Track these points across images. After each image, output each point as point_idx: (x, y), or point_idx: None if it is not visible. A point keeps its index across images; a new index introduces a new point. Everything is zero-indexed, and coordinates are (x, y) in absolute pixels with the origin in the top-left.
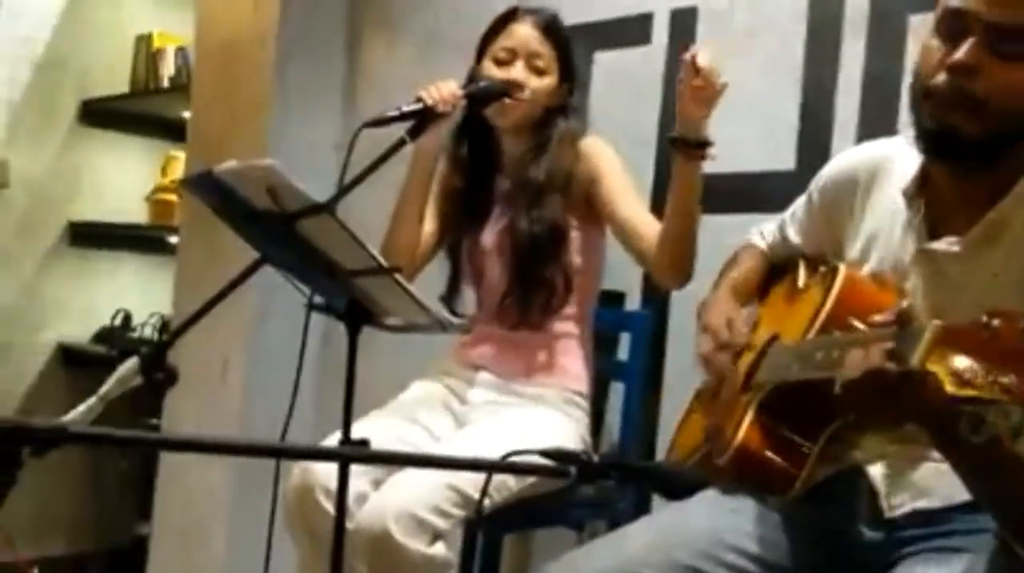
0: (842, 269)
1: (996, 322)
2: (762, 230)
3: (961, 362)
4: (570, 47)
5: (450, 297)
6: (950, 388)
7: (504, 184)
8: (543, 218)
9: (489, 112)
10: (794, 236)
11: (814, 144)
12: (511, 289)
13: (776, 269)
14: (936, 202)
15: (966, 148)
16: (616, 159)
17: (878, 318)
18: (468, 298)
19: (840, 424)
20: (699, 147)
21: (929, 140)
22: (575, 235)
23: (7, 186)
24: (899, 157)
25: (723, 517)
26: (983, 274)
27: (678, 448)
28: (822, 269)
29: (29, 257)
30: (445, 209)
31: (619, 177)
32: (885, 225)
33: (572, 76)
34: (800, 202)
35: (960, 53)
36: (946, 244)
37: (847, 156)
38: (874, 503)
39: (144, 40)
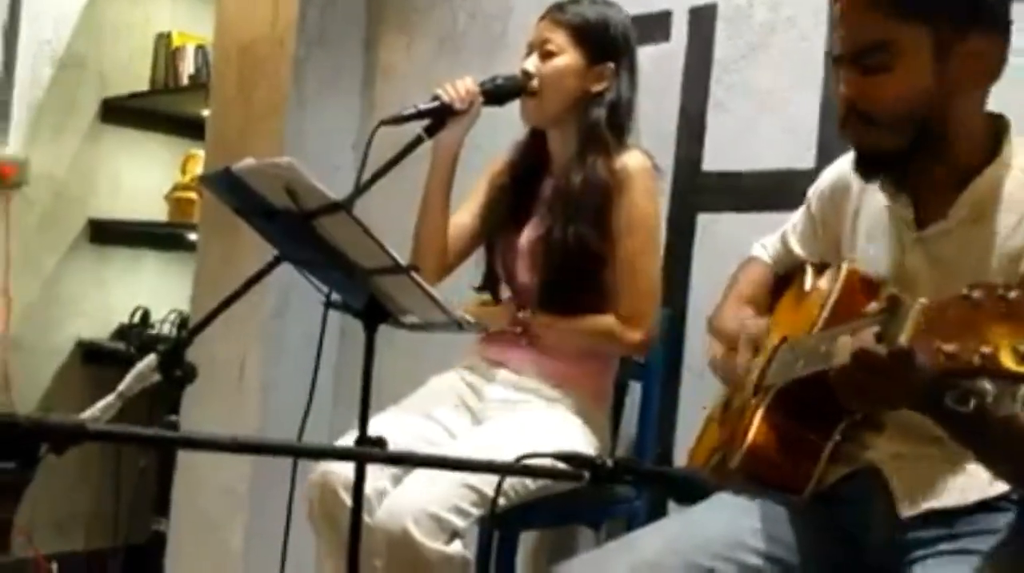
0: (845, 266)
1: (976, 294)
2: (764, 243)
3: (942, 337)
4: (595, 25)
5: (488, 289)
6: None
7: (548, 188)
8: (574, 233)
9: (521, 114)
10: (796, 246)
11: (834, 142)
12: (540, 301)
13: (782, 280)
14: (920, 193)
15: (884, 159)
16: (654, 201)
17: (871, 307)
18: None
19: (849, 421)
20: None
21: (860, 164)
22: (607, 251)
23: (27, 184)
24: None
25: (738, 519)
26: (975, 250)
27: (696, 452)
28: (828, 271)
29: (50, 254)
30: (490, 206)
31: (640, 237)
32: (880, 224)
33: (605, 56)
34: (800, 212)
35: (841, 87)
36: (935, 230)
37: (840, 163)
38: (888, 504)
39: (164, 39)
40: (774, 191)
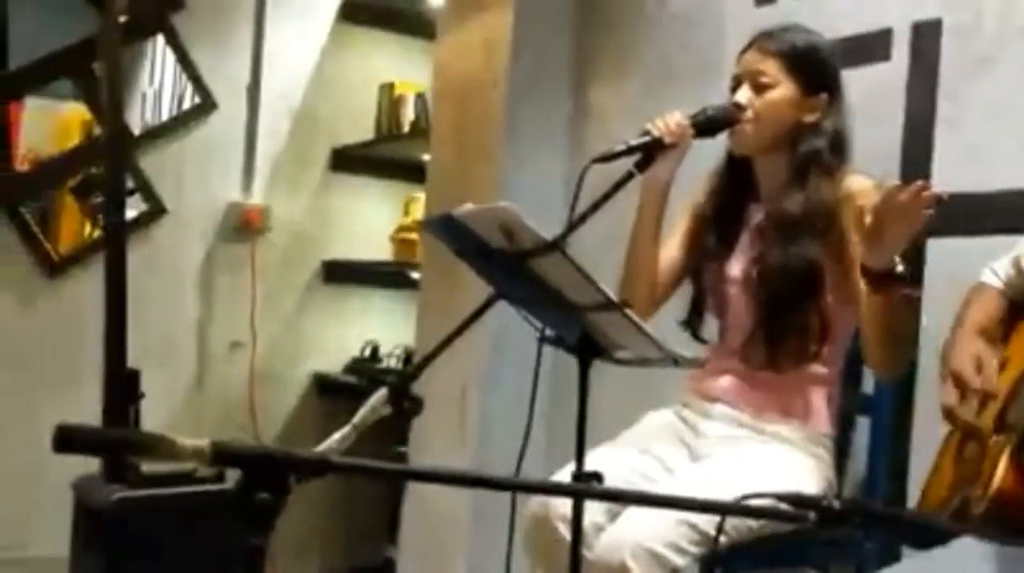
0: None
1: None
2: (994, 267)
3: None
4: (807, 55)
5: (693, 322)
6: None
7: (758, 215)
8: (797, 255)
9: (729, 142)
10: None
11: None
12: (759, 329)
13: (1016, 307)
14: None
15: None
16: None
17: None
18: (711, 325)
19: None
20: (888, 278)
21: None
22: (831, 273)
23: (270, 230)
24: None
25: (981, 568)
26: None
27: (929, 494)
28: None
29: (288, 294)
30: (695, 237)
31: None
32: None
33: (819, 86)
34: None
35: None
36: None
37: None
38: None
39: (387, 88)
40: (1013, 212)
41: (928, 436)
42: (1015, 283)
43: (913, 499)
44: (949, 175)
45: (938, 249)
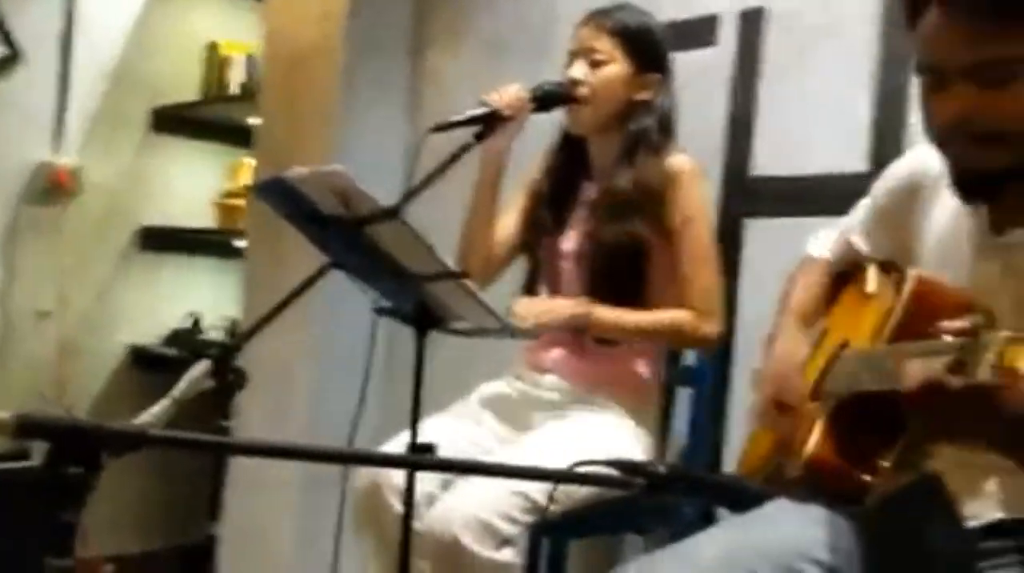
0: (912, 274)
1: None
2: (821, 241)
3: None
4: (640, 35)
5: (527, 295)
6: None
7: (591, 191)
8: (625, 231)
9: (565, 121)
10: (861, 244)
11: (887, 144)
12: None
13: (841, 275)
14: (998, 199)
15: (999, 180)
16: (706, 199)
17: (947, 324)
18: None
19: (913, 434)
20: None
21: (960, 187)
22: (657, 249)
23: (83, 193)
24: None
25: (799, 527)
26: None
27: (746, 461)
28: (893, 274)
29: (102, 262)
30: (530, 212)
31: (699, 230)
32: (952, 228)
33: (652, 65)
34: (863, 208)
35: (951, 104)
36: (1017, 237)
37: (911, 159)
38: (952, 513)
39: (212, 48)
40: (825, 195)
41: (745, 404)
42: (839, 254)
43: (730, 465)
44: (769, 159)
45: (756, 230)
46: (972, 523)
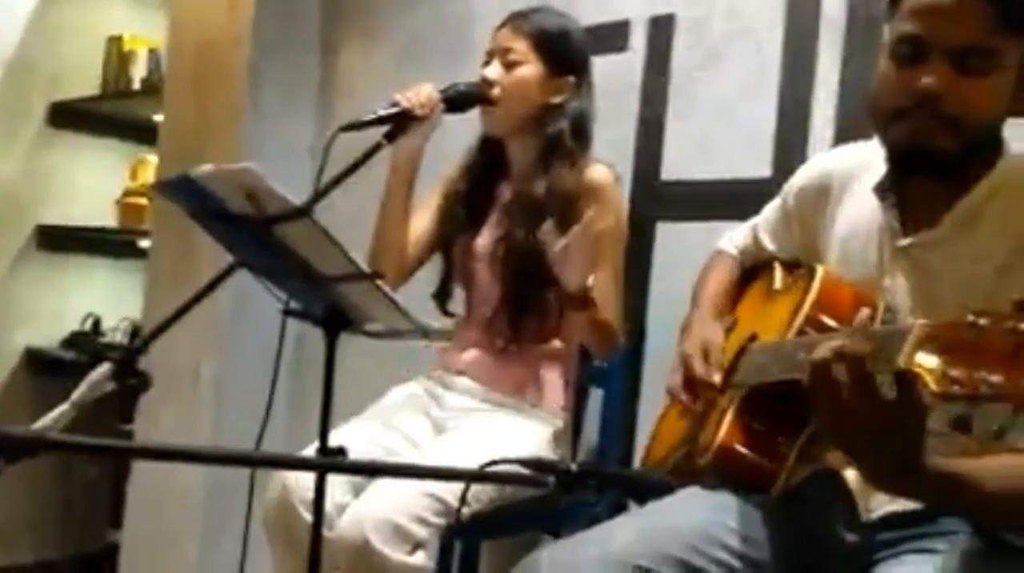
0: (819, 270)
1: (983, 321)
2: (732, 237)
3: (946, 361)
4: (557, 37)
5: (441, 296)
6: (935, 386)
7: (507, 193)
8: (536, 235)
9: (482, 122)
10: (768, 242)
11: (790, 151)
12: (503, 307)
13: (749, 271)
14: (907, 200)
15: (940, 162)
16: (619, 210)
17: (860, 317)
18: (459, 298)
19: (816, 425)
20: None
21: (903, 159)
22: None
23: None
24: (873, 161)
25: (709, 513)
26: (962, 262)
27: (656, 449)
28: (799, 270)
29: None
30: (445, 211)
31: (609, 240)
32: (861, 228)
33: (567, 68)
34: (773, 207)
35: (927, 78)
36: (923, 239)
37: (821, 161)
38: (851, 506)
39: (115, 42)
40: (731, 200)
41: (654, 402)
42: (749, 251)
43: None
44: (678, 163)
45: (666, 232)
46: (866, 516)
